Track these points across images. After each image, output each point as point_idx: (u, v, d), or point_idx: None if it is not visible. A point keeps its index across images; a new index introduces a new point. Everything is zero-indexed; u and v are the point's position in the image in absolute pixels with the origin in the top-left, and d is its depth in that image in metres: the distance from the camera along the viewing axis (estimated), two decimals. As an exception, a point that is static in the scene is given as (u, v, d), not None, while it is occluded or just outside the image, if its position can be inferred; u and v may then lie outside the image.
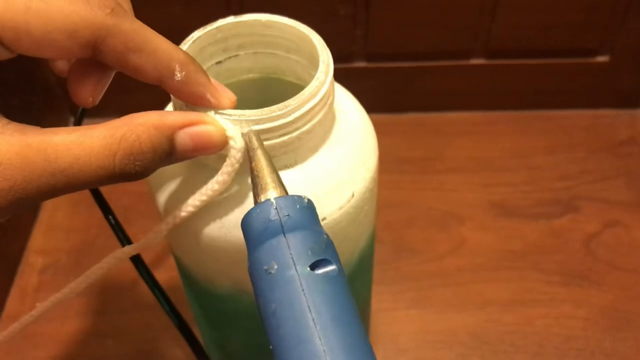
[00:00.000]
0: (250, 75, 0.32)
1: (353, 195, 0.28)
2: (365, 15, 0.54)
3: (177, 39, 0.28)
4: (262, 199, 0.22)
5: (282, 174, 0.26)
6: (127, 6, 0.25)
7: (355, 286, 0.23)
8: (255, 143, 0.25)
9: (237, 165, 0.25)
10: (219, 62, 0.30)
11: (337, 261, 0.21)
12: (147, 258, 0.33)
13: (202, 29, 0.29)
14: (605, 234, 0.54)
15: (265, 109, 0.25)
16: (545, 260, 0.52)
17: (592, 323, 0.49)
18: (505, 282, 0.51)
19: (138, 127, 0.22)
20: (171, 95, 0.26)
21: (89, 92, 0.24)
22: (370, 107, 0.61)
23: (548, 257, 0.53)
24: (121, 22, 0.22)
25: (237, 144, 0.24)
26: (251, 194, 0.26)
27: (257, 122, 0.25)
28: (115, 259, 0.29)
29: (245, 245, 0.27)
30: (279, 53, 0.30)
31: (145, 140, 0.22)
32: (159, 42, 0.24)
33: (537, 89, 0.61)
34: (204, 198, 0.26)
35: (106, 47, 0.22)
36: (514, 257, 0.53)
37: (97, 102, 0.25)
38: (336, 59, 0.63)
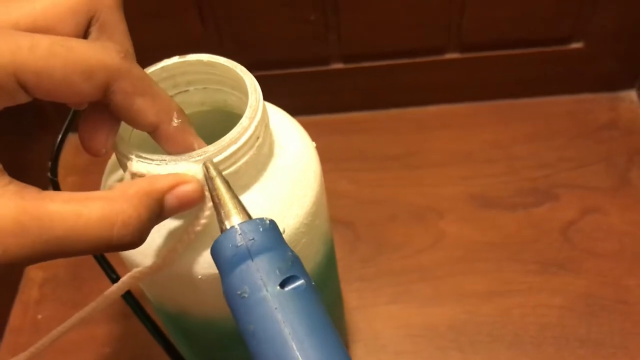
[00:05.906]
0: (204, 108, 0.34)
1: (284, 231, 0.29)
2: (336, 20, 0.55)
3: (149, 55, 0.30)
4: (227, 226, 0.24)
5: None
6: (133, 53, 0.27)
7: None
8: (213, 172, 0.26)
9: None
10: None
11: (305, 274, 0.23)
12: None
13: (145, 69, 0.30)
14: (583, 221, 0.55)
15: (185, 154, 0.26)
16: (523, 250, 0.54)
17: (567, 310, 0.50)
18: (483, 274, 0.52)
19: (133, 198, 0.23)
20: (118, 151, 0.27)
21: (102, 144, 0.26)
22: (350, 105, 0.63)
23: (526, 247, 0.54)
24: (132, 66, 0.24)
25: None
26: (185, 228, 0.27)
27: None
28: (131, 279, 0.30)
29: (184, 277, 0.29)
30: (225, 89, 0.32)
31: (141, 211, 0.23)
32: (159, 89, 0.25)
33: (514, 79, 0.62)
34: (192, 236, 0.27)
35: (117, 88, 0.24)
36: (492, 249, 0.54)
37: (108, 150, 0.26)
38: (313, 62, 0.64)
